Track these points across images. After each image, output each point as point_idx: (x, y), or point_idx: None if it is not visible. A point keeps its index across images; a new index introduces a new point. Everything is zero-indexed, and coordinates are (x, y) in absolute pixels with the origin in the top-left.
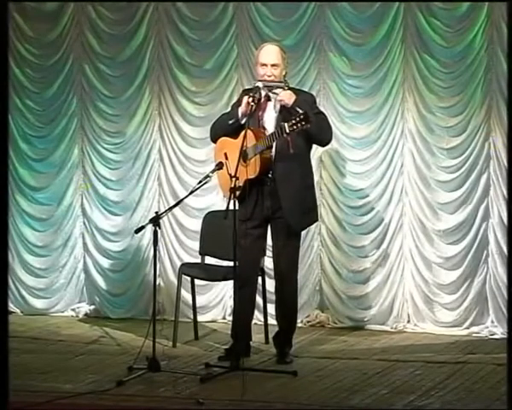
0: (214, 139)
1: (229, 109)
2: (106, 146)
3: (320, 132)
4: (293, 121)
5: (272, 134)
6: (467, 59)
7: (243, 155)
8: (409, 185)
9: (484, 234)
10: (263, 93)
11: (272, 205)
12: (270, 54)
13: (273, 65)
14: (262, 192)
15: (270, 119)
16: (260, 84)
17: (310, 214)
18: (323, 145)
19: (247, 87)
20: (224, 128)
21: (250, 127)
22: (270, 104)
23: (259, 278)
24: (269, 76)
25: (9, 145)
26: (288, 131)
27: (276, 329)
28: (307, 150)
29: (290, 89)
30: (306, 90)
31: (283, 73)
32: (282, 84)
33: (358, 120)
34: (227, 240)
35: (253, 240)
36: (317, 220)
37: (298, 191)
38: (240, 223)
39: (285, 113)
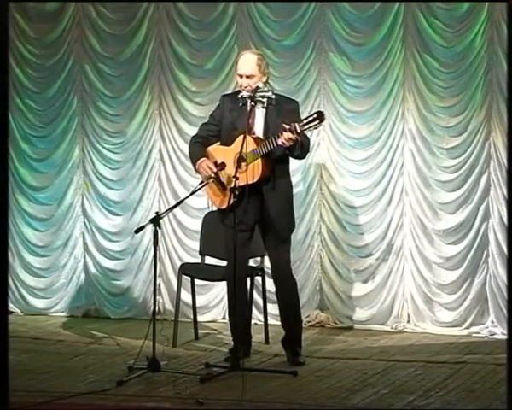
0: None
1: (207, 119)
2: (106, 146)
3: (304, 151)
4: (305, 121)
5: (276, 136)
6: (467, 59)
7: (239, 160)
8: (409, 185)
9: (484, 234)
10: (248, 101)
11: (261, 210)
12: (244, 65)
13: (248, 76)
14: (253, 198)
15: (259, 124)
16: (245, 94)
17: (293, 221)
18: (303, 158)
19: (226, 93)
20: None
21: (250, 134)
22: (258, 111)
23: (259, 278)
24: (245, 87)
25: (10, 145)
26: (299, 130)
27: (281, 331)
28: (288, 160)
29: (275, 95)
30: (308, 88)
31: (264, 80)
32: (270, 93)
33: (359, 119)
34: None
35: (241, 242)
36: (294, 227)
37: (284, 198)
38: (228, 228)
39: (274, 118)
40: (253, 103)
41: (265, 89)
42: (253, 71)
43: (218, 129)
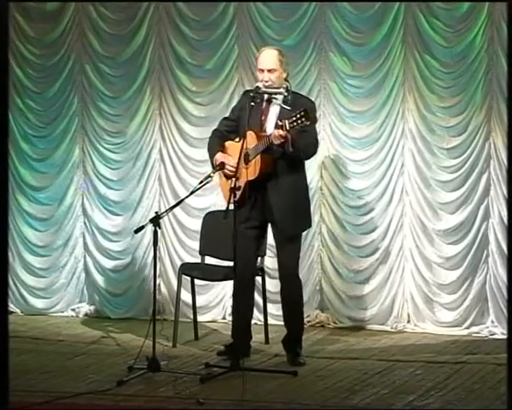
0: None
1: (228, 114)
2: (107, 146)
3: (301, 150)
4: (294, 118)
5: (272, 133)
6: (467, 59)
7: (244, 157)
8: (409, 185)
9: (484, 234)
10: (265, 97)
11: (270, 207)
12: (266, 59)
13: (270, 70)
14: (260, 195)
15: (271, 122)
16: (261, 88)
17: (301, 220)
18: (306, 159)
19: (248, 88)
20: (211, 156)
21: (253, 129)
22: (272, 108)
23: (259, 278)
24: (266, 81)
25: (10, 145)
26: (288, 127)
27: (281, 331)
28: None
29: (292, 93)
30: (308, 88)
31: (284, 76)
32: (282, 90)
33: (359, 120)
34: (227, 240)
35: (249, 240)
36: (310, 227)
37: (288, 197)
38: (237, 224)
39: (286, 116)
40: (252, 103)
41: (284, 85)
42: (275, 65)
43: (236, 124)
